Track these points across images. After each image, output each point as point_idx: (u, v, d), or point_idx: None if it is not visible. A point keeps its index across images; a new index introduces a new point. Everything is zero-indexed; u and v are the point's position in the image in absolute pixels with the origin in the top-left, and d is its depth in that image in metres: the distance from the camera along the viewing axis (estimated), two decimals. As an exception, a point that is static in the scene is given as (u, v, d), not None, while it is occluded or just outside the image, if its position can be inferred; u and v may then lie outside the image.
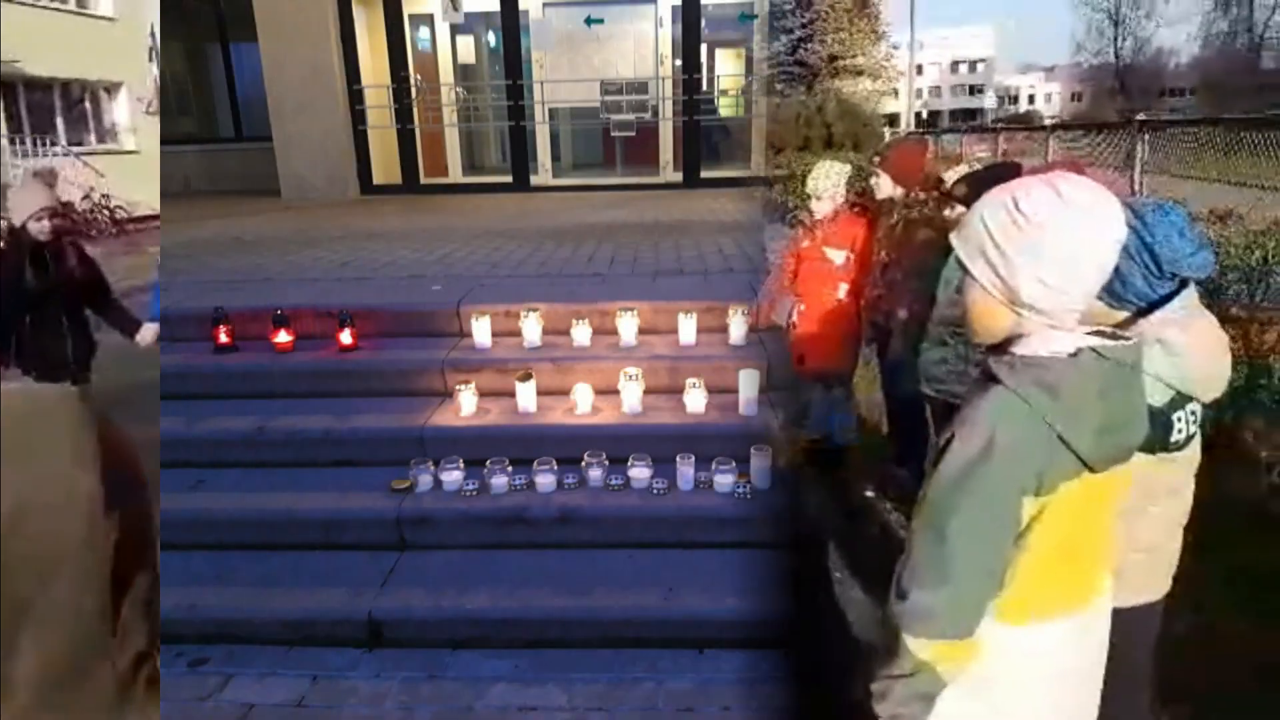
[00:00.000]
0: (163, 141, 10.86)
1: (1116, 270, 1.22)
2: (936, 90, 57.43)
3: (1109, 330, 1.17)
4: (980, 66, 57.22)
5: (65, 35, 11.38)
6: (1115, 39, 43.89)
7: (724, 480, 2.93)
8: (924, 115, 49.03)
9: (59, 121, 12.12)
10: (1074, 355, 1.10)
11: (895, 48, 22.10)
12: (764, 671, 2.41)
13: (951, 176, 2.91)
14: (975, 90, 56.34)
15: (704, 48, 9.38)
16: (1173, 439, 1.42)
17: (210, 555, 2.92)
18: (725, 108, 11.09)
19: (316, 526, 2.95)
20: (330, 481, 3.12)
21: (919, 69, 49.54)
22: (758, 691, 2.33)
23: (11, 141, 10.62)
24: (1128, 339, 1.15)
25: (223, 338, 3.74)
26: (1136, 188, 5.20)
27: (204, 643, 2.60)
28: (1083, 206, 1.07)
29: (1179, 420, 1.42)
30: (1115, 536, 1.24)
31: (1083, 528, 1.15)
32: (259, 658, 2.54)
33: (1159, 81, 43.47)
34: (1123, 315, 1.45)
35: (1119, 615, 1.30)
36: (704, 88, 9.38)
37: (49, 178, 8.93)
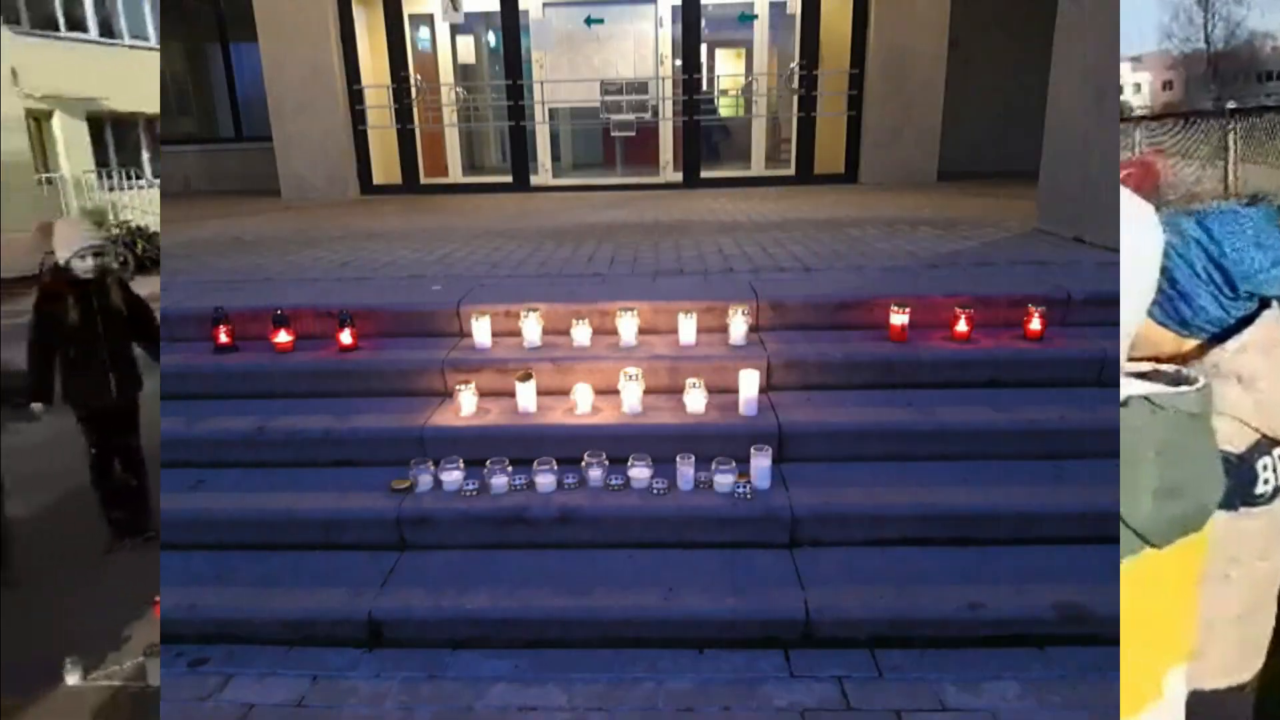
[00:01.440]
0: (163, 141, 10.88)
1: (1181, 292, 1.10)
2: None
3: (1169, 369, 1.01)
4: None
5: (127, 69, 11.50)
6: (1205, 24, 40.31)
7: (724, 480, 2.93)
8: None
9: (145, 156, 12.17)
10: (1122, 405, 0.92)
11: None
12: (764, 671, 2.42)
13: None
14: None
15: (704, 48, 9.38)
16: (1257, 491, 1.19)
17: (210, 555, 2.92)
18: (725, 108, 11.10)
19: (316, 526, 2.95)
20: (330, 481, 3.13)
21: None
22: (757, 691, 2.33)
23: (100, 175, 10.78)
24: (1193, 380, 0.98)
25: (223, 338, 3.74)
26: (1230, 179, 4.95)
27: (204, 643, 2.60)
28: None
29: (1264, 469, 1.19)
30: (1190, 622, 1.05)
31: (1147, 614, 0.97)
32: (259, 658, 2.54)
33: (1255, 66, 39.63)
34: (1193, 344, 1.23)
35: (1201, 700, 1.13)
36: (704, 88, 9.38)
37: (98, 215, 9.07)
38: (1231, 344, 1.20)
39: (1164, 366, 1.02)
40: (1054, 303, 3.67)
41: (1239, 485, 1.16)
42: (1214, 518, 1.02)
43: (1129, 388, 0.94)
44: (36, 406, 3.03)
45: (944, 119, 8.86)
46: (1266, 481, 1.20)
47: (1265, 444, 1.19)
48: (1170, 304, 1.17)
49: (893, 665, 2.42)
